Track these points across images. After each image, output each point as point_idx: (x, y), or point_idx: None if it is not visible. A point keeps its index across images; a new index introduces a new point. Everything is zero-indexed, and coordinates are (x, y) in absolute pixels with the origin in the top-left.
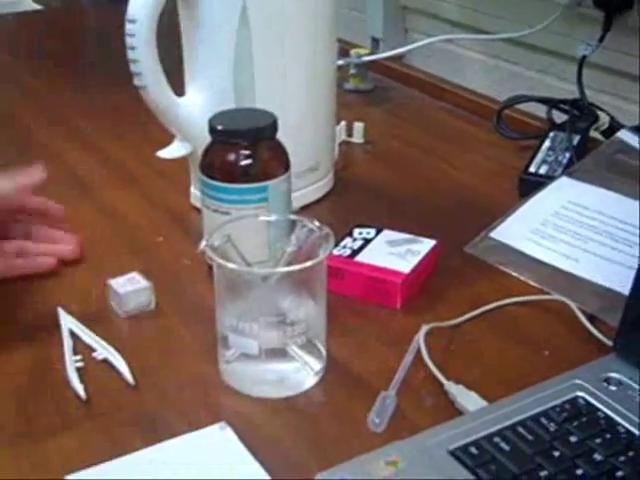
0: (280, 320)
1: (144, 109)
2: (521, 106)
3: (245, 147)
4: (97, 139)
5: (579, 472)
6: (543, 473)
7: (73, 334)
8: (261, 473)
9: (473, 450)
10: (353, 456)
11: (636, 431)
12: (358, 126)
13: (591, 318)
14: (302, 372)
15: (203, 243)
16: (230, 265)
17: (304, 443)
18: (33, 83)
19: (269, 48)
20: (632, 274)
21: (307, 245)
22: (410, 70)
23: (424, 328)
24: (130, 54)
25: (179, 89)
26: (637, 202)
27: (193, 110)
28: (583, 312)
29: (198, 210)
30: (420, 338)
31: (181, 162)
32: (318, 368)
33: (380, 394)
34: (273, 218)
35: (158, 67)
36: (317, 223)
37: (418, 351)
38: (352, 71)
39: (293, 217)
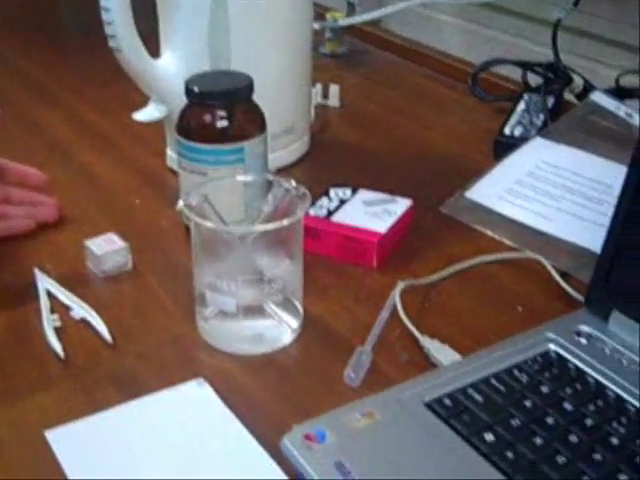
0: (257, 278)
1: (119, 72)
2: (496, 69)
3: (221, 108)
4: (72, 103)
5: (549, 421)
6: (515, 422)
7: (50, 294)
8: (239, 428)
9: (447, 402)
10: (330, 410)
11: (605, 381)
12: (334, 89)
13: (563, 275)
14: (279, 329)
15: (180, 203)
16: (207, 224)
17: (281, 398)
18: (7, 49)
19: (245, 11)
20: (603, 232)
21: (284, 204)
22: (386, 34)
23: (400, 286)
24: (104, 16)
25: (155, 51)
26: (609, 161)
27: (169, 72)
28: (556, 269)
29: (174, 172)
30: (396, 295)
31: (157, 125)
32: (295, 325)
33: (356, 349)
34: (250, 178)
35: (133, 29)
36: (294, 183)
37: (394, 308)
38: (328, 35)
39: (270, 177)
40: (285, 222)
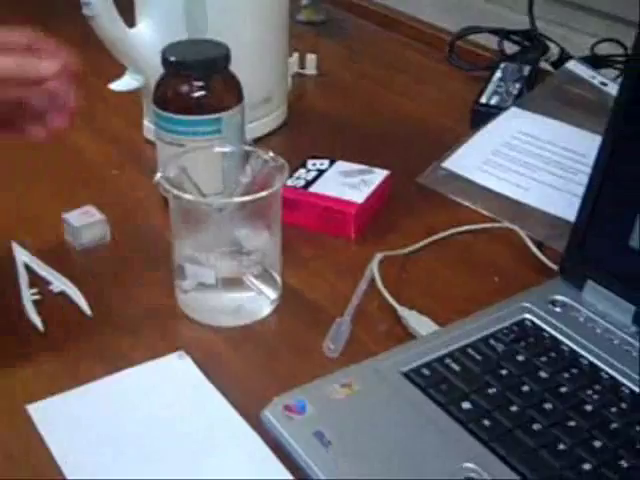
0: (236, 250)
1: (93, 41)
2: (473, 37)
3: (198, 78)
4: None
5: (525, 389)
6: (491, 391)
7: (28, 268)
8: (220, 400)
9: (425, 371)
10: (309, 381)
11: (579, 350)
12: (311, 58)
13: (539, 245)
14: (258, 301)
15: (158, 175)
16: (186, 196)
17: (261, 370)
18: None
19: None
20: (578, 202)
21: (262, 176)
22: (363, 1)
23: (377, 257)
24: None
25: (130, 20)
26: (584, 131)
27: (145, 41)
28: (531, 239)
29: (151, 143)
30: (374, 266)
31: (134, 95)
32: (274, 297)
33: (335, 321)
34: (228, 149)
35: None
36: (271, 154)
37: (372, 279)
38: (305, 2)
39: (247, 148)
40: (263, 193)
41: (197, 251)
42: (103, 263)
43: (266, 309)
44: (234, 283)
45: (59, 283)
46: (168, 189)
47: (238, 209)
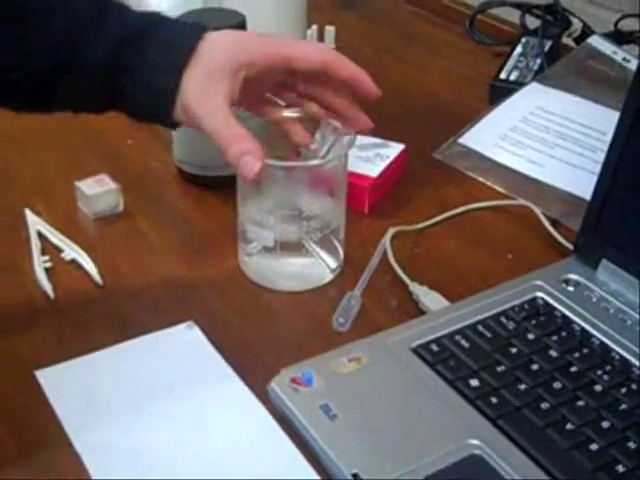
0: (297, 214)
1: None
2: (494, 11)
3: None
4: None
5: (534, 367)
6: (500, 368)
7: (41, 235)
8: (227, 370)
9: (434, 347)
10: (318, 354)
11: (590, 329)
12: (329, 30)
13: (554, 223)
14: (318, 268)
15: None
16: None
17: (270, 341)
18: None
19: None
20: (595, 180)
21: (329, 143)
22: None
23: (390, 231)
24: None
25: None
26: (604, 107)
27: (161, 9)
28: (547, 217)
29: None
30: (386, 241)
31: None
32: (334, 265)
33: (346, 295)
34: (295, 114)
35: None
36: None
37: (384, 254)
38: None
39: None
40: (326, 159)
41: (259, 213)
42: (116, 232)
43: (326, 276)
44: (293, 248)
45: (71, 251)
46: None
47: (303, 174)
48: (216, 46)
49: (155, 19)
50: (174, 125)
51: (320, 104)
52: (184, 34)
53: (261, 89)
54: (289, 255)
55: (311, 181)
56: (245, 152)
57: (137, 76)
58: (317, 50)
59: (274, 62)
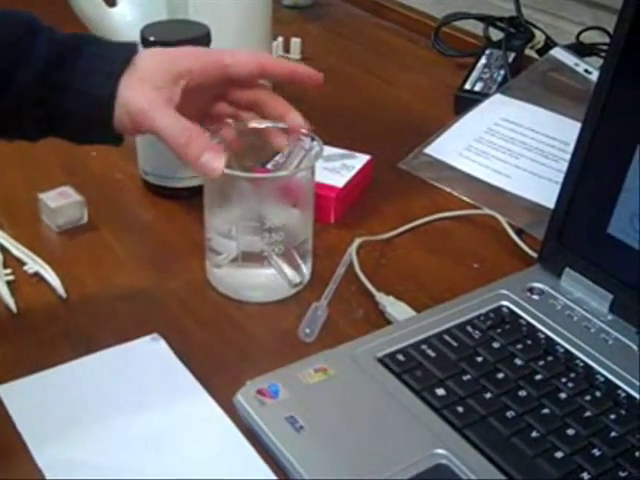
0: (259, 225)
1: (74, 21)
2: (459, 23)
3: None
4: None
5: (500, 376)
6: (466, 377)
7: (3, 248)
8: (193, 383)
9: (400, 357)
10: (284, 365)
11: (555, 337)
12: (295, 42)
13: (519, 232)
14: (279, 281)
15: None
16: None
17: (236, 353)
18: None
19: None
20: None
21: (296, 154)
22: None
23: (356, 241)
24: None
25: (111, 0)
26: (567, 119)
27: (125, 20)
28: (512, 226)
29: None
30: (352, 251)
31: None
32: (296, 280)
33: (312, 305)
34: (263, 125)
35: None
36: (307, 133)
37: (350, 264)
38: None
39: (283, 125)
40: (290, 171)
41: (224, 223)
42: (80, 245)
43: (287, 290)
44: (256, 259)
45: (34, 264)
46: None
47: (268, 185)
48: (152, 58)
49: (86, 38)
50: (117, 139)
51: (259, 112)
52: (118, 49)
53: (201, 103)
54: (253, 266)
55: (278, 193)
56: (204, 149)
57: (72, 89)
58: (251, 55)
59: (212, 70)
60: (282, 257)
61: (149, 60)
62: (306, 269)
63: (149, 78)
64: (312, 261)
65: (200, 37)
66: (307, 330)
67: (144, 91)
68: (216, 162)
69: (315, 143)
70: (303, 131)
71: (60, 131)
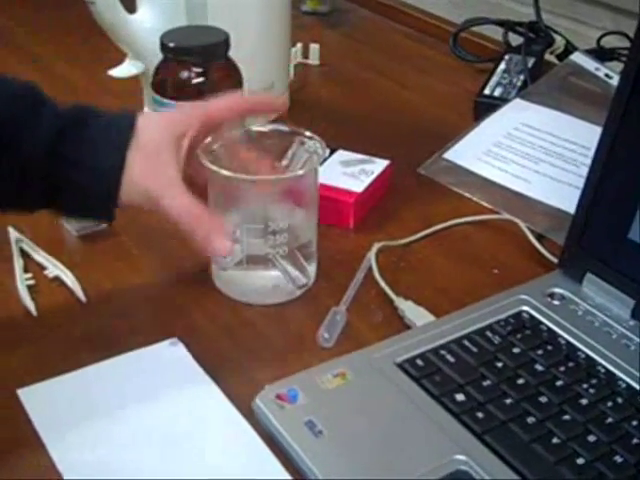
0: (263, 228)
1: (95, 27)
2: (478, 29)
3: (197, 65)
4: (48, 59)
5: (520, 381)
6: (485, 383)
7: (23, 252)
8: (212, 387)
9: (419, 362)
10: (303, 370)
11: (576, 343)
12: (314, 48)
13: (539, 237)
14: (285, 283)
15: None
16: (222, 172)
17: (255, 358)
18: None
19: None
20: (579, 194)
21: (300, 157)
22: None
23: (376, 246)
24: None
25: (131, 6)
26: (587, 123)
27: (145, 27)
28: (532, 231)
29: None
30: (372, 256)
31: (134, 82)
32: (302, 282)
33: (331, 310)
34: (267, 128)
35: None
36: (312, 135)
37: (369, 269)
38: None
39: (288, 128)
40: (295, 174)
41: (229, 226)
42: (99, 249)
43: (293, 292)
44: (261, 262)
45: (54, 268)
46: (206, 164)
47: (272, 188)
48: (153, 129)
49: (89, 109)
50: (112, 215)
51: None
52: (119, 116)
53: (194, 147)
54: (258, 269)
55: (282, 196)
56: (211, 231)
57: (78, 162)
58: (225, 100)
59: (202, 123)
60: (287, 259)
61: (151, 131)
62: (311, 270)
63: (154, 153)
64: (323, 264)
65: (219, 43)
66: (326, 335)
67: (151, 163)
68: (221, 243)
69: (318, 145)
70: (307, 134)
71: (62, 203)
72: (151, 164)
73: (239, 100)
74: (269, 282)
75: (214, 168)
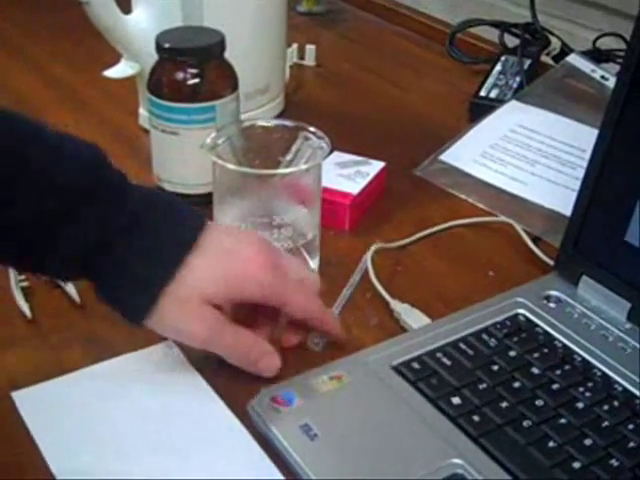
0: (267, 222)
1: (90, 29)
2: (474, 30)
3: (192, 66)
4: (42, 60)
5: (516, 385)
6: (482, 386)
7: None
8: (207, 391)
9: (415, 365)
10: (297, 372)
11: (572, 346)
12: (310, 49)
13: (535, 239)
14: None
15: (208, 140)
16: (228, 165)
17: None
18: None
19: None
20: (575, 196)
21: (304, 152)
22: None
23: (371, 249)
24: None
25: (126, 7)
26: (583, 125)
27: (140, 28)
28: (528, 233)
29: (147, 132)
30: (367, 258)
31: (130, 83)
32: None
33: None
34: (271, 124)
35: None
36: (315, 130)
37: (365, 271)
38: None
39: (292, 124)
40: (299, 168)
41: (233, 220)
42: None
43: None
44: None
45: None
46: (211, 157)
47: (276, 182)
48: (204, 276)
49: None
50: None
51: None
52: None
53: None
54: None
55: (286, 190)
56: (261, 355)
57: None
58: (305, 303)
59: (268, 303)
60: (290, 254)
61: (211, 284)
62: (313, 265)
63: (208, 297)
64: (321, 264)
65: (215, 44)
66: (316, 339)
67: (201, 313)
68: (274, 364)
69: (322, 142)
70: (311, 129)
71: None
72: (197, 310)
73: (317, 315)
74: None
75: (220, 162)
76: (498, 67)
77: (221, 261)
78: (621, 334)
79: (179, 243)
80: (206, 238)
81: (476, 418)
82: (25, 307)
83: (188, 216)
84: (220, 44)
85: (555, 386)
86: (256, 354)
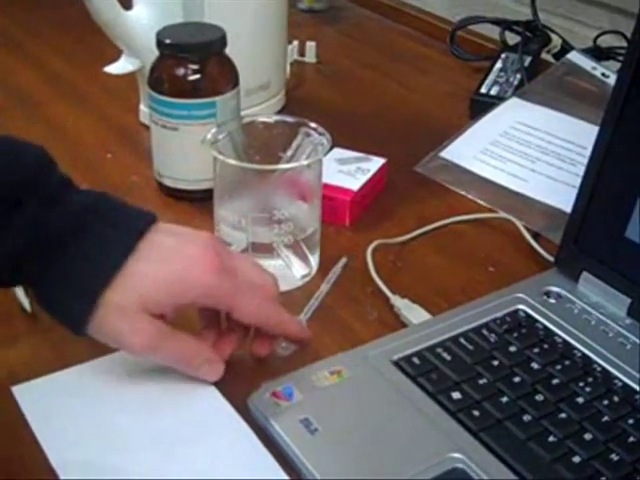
0: (268, 217)
1: (91, 25)
2: (475, 27)
3: (193, 62)
4: (43, 56)
5: (516, 380)
6: (482, 381)
7: None
8: (206, 384)
9: (415, 360)
10: (297, 367)
11: (572, 341)
12: (310, 45)
13: (535, 236)
14: (287, 272)
15: (209, 135)
16: (229, 161)
17: (250, 355)
18: None
19: None
20: (575, 193)
21: (305, 147)
22: None
23: (372, 244)
24: None
25: (127, 2)
26: (584, 122)
27: (141, 24)
28: (528, 230)
29: (147, 127)
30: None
31: (130, 79)
32: (303, 272)
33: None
34: (272, 119)
35: None
36: (316, 126)
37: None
38: None
39: (293, 119)
40: (300, 163)
41: (233, 215)
42: None
43: (294, 282)
44: (265, 250)
45: None
46: (213, 153)
47: (277, 177)
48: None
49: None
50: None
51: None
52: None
53: None
54: (262, 257)
55: (286, 186)
56: (202, 363)
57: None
58: (256, 308)
59: (217, 307)
60: (290, 249)
61: (151, 291)
62: (313, 261)
63: (148, 305)
64: (322, 259)
65: (216, 40)
66: (283, 344)
67: (140, 323)
68: (215, 374)
69: (323, 138)
70: (312, 125)
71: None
72: (138, 319)
73: (272, 320)
74: (272, 271)
75: (220, 157)
76: (499, 64)
77: (162, 265)
78: (621, 329)
79: (117, 248)
80: (148, 242)
81: (476, 413)
82: (25, 302)
83: (131, 220)
84: (221, 40)
85: (555, 381)
86: (198, 363)
